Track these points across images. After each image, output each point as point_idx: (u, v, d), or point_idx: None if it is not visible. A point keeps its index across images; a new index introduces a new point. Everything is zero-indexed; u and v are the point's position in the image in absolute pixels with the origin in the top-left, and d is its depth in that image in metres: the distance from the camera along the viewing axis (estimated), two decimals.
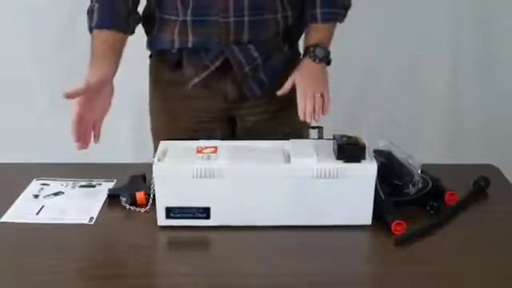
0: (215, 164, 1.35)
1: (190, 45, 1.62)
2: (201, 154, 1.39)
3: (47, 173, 1.62)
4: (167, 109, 1.74)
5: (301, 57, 1.69)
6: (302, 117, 1.58)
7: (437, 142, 2.91)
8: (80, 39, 2.77)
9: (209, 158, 1.38)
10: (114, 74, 1.59)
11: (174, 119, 1.75)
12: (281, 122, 1.74)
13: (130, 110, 2.86)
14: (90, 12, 1.59)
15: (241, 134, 1.77)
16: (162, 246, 1.39)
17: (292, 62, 1.71)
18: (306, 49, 1.66)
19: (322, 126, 1.56)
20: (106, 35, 1.58)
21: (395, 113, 2.89)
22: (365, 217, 1.38)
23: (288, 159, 1.38)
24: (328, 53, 1.66)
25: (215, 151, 1.40)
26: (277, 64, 1.69)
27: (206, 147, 1.42)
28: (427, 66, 2.88)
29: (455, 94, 2.92)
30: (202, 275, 1.24)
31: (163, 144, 1.45)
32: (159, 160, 1.39)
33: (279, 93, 1.63)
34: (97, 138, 1.55)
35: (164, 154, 1.41)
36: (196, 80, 1.65)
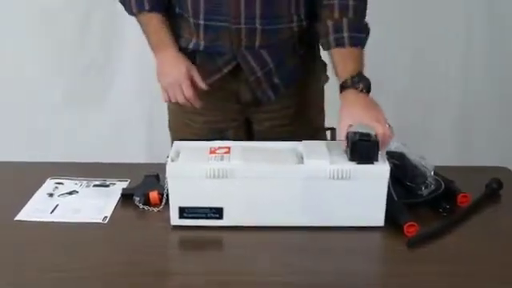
0: (228, 164, 1.36)
1: (201, 48, 1.63)
2: (214, 155, 1.40)
3: (62, 172, 1.63)
4: (184, 108, 1.75)
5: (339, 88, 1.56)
6: (382, 141, 1.38)
7: (449, 144, 2.90)
8: (93, 39, 2.82)
9: (222, 158, 1.38)
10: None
11: (191, 119, 1.75)
12: (297, 126, 1.73)
13: (144, 110, 2.87)
14: None
15: (258, 138, 1.74)
16: (174, 245, 1.40)
17: (309, 65, 1.70)
18: (348, 80, 1.48)
19: (334, 127, 1.55)
20: (158, 17, 1.63)
21: (407, 114, 2.89)
22: (377, 218, 1.38)
23: (301, 160, 1.39)
24: (369, 81, 1.49)
25: (228, 152, 1.41)
26: (291, 68, 1.68)
27: (220, 147, 1.42)
28: (439, 67, 2.87)
29: (468, 95, 2.91)
30: (214, 274, 1.24)
31: (177, 144, 1.46)
32: (173, 160, 1.39)
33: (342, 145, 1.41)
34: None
35: (177, 154, 1.42)
36: (207, 82, 1.65)
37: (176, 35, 1.66)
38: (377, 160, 1.36)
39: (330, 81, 1.75)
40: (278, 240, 1.35)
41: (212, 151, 1.41)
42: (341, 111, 1.44)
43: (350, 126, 1.39)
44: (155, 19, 1.63)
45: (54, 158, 1.72)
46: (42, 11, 2.76)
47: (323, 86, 1.81)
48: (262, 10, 1.56)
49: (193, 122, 1.74)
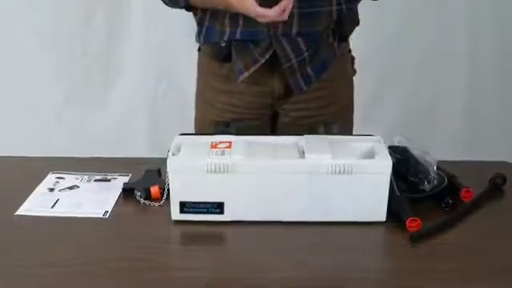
0: (229, 159, 1.35)
1: (238, 36, 1.60)
2: (215, 149, 1.39)
3: (63, 166, 1.63)
4: (213, 102, 1.74)
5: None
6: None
7: (453, 138, 2.89)
8: (97, 35, 2.83)
9: (223, 153, 1.37)
10: None
11: (221, 113, 1.73)
12: (320, 119, 1.69)
13: (146, 105, 2.87)
14: None
15: (282, 129, 1.74)
16: (175, 240, 1.39)
17: (340, 58, 1.69)
18: None
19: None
20: None
21: (411, 110, 2.88)
22: (379, 213, 1.37)
23: (302, 155, 1.38)
24: None
25: (229, 146, 1.40)
26: (324, 59, 1.66)
27: (221, 142, 1.42)
28: (444, 62, 2.86)
29: (472, 91, 2.90)
30: (214, 269, 1.24)
31: (178, 139, 1.45)
32: (174, 154, 1.39)
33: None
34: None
35: (179, 148, 1.42)
36: (246, 74, 1.63)
37: (207, 32, 1.65)
38: None
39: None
40: (278, 235, 1.34)
41: (213, 146, 1.40)
42: None
43: None
44: None
45: (56, 154, 1.72)
46: (45, 9, 2.76)
47: (352, 80, 1.80)
48: None
49: (225, 117, 1.71)
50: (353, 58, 1.78)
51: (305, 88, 1.67)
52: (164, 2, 1.67)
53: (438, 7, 2.77)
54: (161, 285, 1.21)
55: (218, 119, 1.72)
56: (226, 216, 1.37)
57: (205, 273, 1.23)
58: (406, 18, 2.74)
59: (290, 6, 1.44)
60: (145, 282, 1.21)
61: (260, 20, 1.49)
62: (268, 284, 1.20)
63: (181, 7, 1.66)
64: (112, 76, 2.89)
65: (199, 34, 1.71)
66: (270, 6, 1.45)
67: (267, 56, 1.61)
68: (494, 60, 2.87)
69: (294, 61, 1.62)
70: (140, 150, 2.66)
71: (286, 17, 1.46)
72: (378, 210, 1.37)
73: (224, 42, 1.64)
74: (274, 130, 1.76)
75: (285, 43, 1.60)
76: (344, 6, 1.62)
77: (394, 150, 1.46)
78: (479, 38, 2.85)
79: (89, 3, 2.78)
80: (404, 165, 1.46)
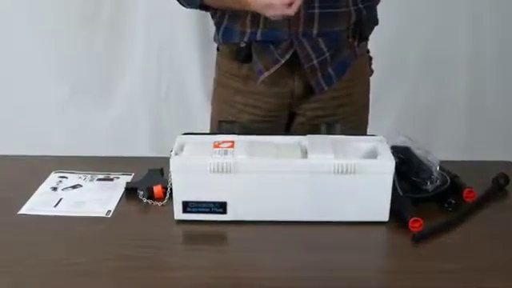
0: (232, 159, 1.35)
1: (259, 37, 1.60)
2: (218, 149, 1.39)
3: (65, 166, 1.63)
4: (231, 102, 1.73)
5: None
6: None
7: (456, 138, 2.90)
8: (101, 34, 2.83)
9: (226, 152, 1.37)
10: None
11: (238, 114, 1.72)
12: (337, 118, 1.69)
13: (149, 104, 2.87)
14: None
15: (296, 129, 1.73)
16: (178, 239, 1.39)
17: (359, 58, 1.70)
18: None
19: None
20: None
21: (414, 109, 2.88)
22: (382, 213, 1.37)
23: (305, 154, 1.38)
24: None
25: (232, 146, 1.40)
26: (345, 59, 1.66)
27: (224, 141, 1.42)
28: (446, 62, 2.86)
29: (474, 90, 2.91)
30: (217, 269, 1.24)
31: (180, 138, 1.45)
32: (176, 154, 1.39)
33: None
34: None
35: (181, 148, 1.42)
36: (266, 74, 1.62)
37: (226, 33, 1.65)
38: None
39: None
40: (281, 235, 1.35)
41: (216, 145, 1.40)
42: None
43: None
44: None
45: (58, 153, 1.72)
46: (47, 8, 2.77)
47: (369, 81, 1.80)
48: None
49: (241, 118, 1.71)
50: (370, 58, 1.78)
51: (326, 88, 1.66)
52: (179, 2, 1.67)
53: (438, 7, 2.77)
54: (163, 284, 1.21)
55: (234, 119, 1.71)
56: (229, 216, 1.37)
57: (207, 272, 1.23)
58: (407, 17, 2.74)
59: (299, 1, 1.43)
60: (147, 281, 1.21)
61: (269, 15, 1.47)
62: (270, 284, 1.20)
63: (196, 7, 1.66)
64: (115, 75, 2.90)
65: (217, 34, 1.71)
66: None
67: (287, 56, 1.61)
68: (494, 59, 2.87)
69: (315, 61, 1.62)
70: (143, 149, 2.66)
71: (292, 12, 1.44)
72: (380, 210, 1.37)
73: (244, 43, 1.63)
74: (288, 130, 1.74)
75: (306, 43, 1.60)
76: (361, 6, 1.62)
77: (396, 150, 1.46)
78: (481, 35, 2.84)
79: (92, 2, 2.79)
80: (407, 164, 1.46)
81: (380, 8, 1.69)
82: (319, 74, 1.64)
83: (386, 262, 1.33)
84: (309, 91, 1.68)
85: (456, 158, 1.65)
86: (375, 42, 1.67)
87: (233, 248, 1.36)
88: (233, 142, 1.41)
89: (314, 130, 1.55)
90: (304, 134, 1.47)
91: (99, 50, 2.85)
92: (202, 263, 1.26)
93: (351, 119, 1.70)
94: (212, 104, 1.83)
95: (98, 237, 1.35)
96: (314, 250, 1.30)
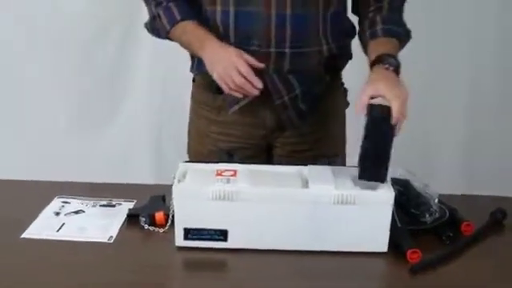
0: (234, 187, 1.37)
1: None
2: (220, 177, 1.41)
3: (68, 191, 1.65)
4: (206, 133, 1.75)
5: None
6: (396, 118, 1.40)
7: (454, 172, 2.90)
8: (98, 63, 2.85)
9: (228, 180, 1.39)
10: None
11: (214, 143, 1.75)
12: (317, 152, 1.72)
13: (151, 131, 2.89)
14: (166, 10, 1.63)
15: (277, 160, 1.75)
16: (179, 266, 1.40)
17: (333, 91, 1.71)
18: (378, 58, 1.50)
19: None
20: (192, 23, 1.62)
21: (411, 142, 2.88)
22: (381, 244, 1.39)
23: (306, 184, 1.40)
24: (399, 63, 1.50)
25: (234, 174, 1.42)
26: (317, 94, 1.68)
27: (226, 170, 1.43)
28: (444, 92, 2.87)
29: (473, 123, 2.91)
30: None
31: (183, 166, 1.47)
32: (179, 181, 1.40)
33: (356, 112, 1.42)
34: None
35: (184, 175, 1.43)
36: (236, 107, 1.65)
37: (200, 63, 1.65)
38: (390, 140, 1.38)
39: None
40: (281, 263, 1.36)
41: (218, 173, 1.42)
42: (365, 83, 1.44)
43: (371, 98, 1.39)
44: (190, 25, 1.62)
45: (60, 178, 1.73)
46: (49, 35, 2.79)
47: (345, 113, 1.82)
48: (292, 33, 1.57)
49: (219, 146, 1.73)
50: (346, 91, 1.80)
51: (297, 123, 1.68)
52: (147, 30, 1.71)
53: (439, 30, 2.76)
54: None
55: (211, 148, 1.74)
56: (230, 243, 1.38)
57: None
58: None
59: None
60: None
61: (215, 73, 1.55)
62: None
63: (163, 38, 1.69)
64: (117, 102, 2.91)
65: (192, 64, 1.75)
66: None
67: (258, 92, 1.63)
68: (494, 89, 2.87)
69: (285, 97, 1.64)
70: (144, 176, 2.67)
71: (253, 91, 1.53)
72: (379, 241, 1.39)
73: None
74: (269, 162, 1.75)
75: (276, 80, 1.62)
76: (333, 45, 1.65)
77: (395, 182, 1.48)
78: (481, 64, 2.85)
79: (97, 28, 2.82)
80: (406, 197, 1.48)
81: (355, 41, 1.70)
82: (290, 110, 1.66)
83: None
84: (283, 125, 1.70)
85: (454, 192, 1.66)
86: (356, 75, 1.67)
87: (233, 276, 1.36)
88: (235, 170, 1.43)
89: (295, 162, 1.54)
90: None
91: (101, 78, 2.87)
92: None
93: (329, 153, 1.71)
94: (188, 134, 1.85)
95: (100, 262, 1.36)
96: (314, 279, 1.31)
